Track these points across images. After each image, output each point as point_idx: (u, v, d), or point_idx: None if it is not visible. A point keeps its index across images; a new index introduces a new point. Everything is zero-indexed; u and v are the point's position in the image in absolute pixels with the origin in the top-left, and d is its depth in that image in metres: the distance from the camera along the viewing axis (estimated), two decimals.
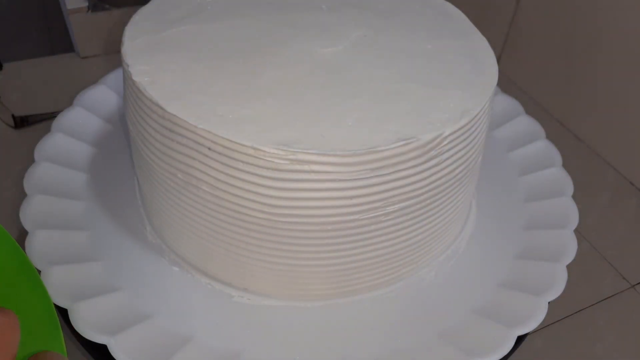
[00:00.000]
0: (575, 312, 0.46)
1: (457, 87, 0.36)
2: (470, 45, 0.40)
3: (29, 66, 0.65)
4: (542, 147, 0.49)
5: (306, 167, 0.31)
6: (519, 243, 0.42)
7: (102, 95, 0.50)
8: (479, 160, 0.39)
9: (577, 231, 0.42)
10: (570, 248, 0.41)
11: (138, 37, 0.38)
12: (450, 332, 0.36)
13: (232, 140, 0.31)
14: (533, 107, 0.65)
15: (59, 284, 0.35)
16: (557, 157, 0.48)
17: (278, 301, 0.38)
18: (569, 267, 0.39)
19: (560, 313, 0.46)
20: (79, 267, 0.37)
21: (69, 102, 0.48)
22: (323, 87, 0.35)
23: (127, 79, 0.36)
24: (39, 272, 0.35)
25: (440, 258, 0.41)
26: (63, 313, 0.34)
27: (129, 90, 0.36)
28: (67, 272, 0.36)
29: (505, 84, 0.65)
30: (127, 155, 0.46)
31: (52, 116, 0.54)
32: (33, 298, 0.28)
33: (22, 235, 0.38)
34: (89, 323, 0.33)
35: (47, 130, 0.46)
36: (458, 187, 0.37)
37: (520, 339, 0.36)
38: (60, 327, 0.28)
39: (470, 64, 0.38)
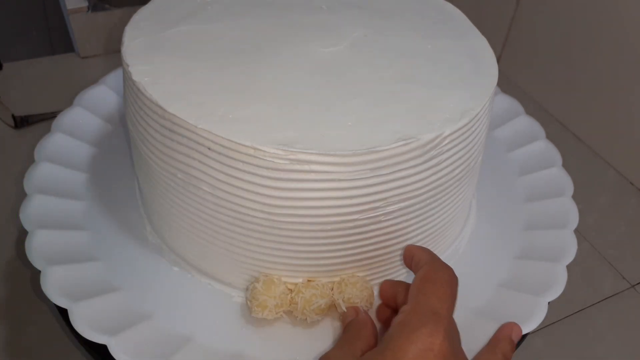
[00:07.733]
0: (575, 312, 0.46)
1: (457, 87, 0.36)
2: (470, 45, 0.40)
3: (29, 66, 0.65)
4: (542, 147, 0.49)
5: (306, 167, 0.31)
6: (519, 243, 0.42)
7: (102, 95, 0.50)
8: (479, 160, 0.39)
9: (577, 231, 0.42)
10: (570, 248, 0.41)
11: (138, 37, 0.38)
12: None
13: (232, 140, 0.31)
14: (533, 107, 0.65)
15: (59, 284, 0.35)
16: (557, 157, 0.48)
17: None
18: (569, 267, 0.39)
19: (560, 313, 0.46)
20: (79, 267, 0.37)
21: (69, 102, 0.48)
22: (323, 87, 0.35)
23: (127, 79, 0.36)
24: (39, 272, 0.35)
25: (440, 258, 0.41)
26: (63, 313, 0.34)
27: (129, 90, 0.36)
28: (67, 272, 0.36)
29: (505, 84, 0.65)
30: (127, 155, 0.46)
31: (52, 116, 0.54)
32: None
33: (22, 235, 0.38)
34: (89, 323, 0.33)
35: (47, 130, 0.45)
36: (458, 187, 0.37)
37: (520, 339, 0.36)
38: None
39: (470, 64, 0.38)
